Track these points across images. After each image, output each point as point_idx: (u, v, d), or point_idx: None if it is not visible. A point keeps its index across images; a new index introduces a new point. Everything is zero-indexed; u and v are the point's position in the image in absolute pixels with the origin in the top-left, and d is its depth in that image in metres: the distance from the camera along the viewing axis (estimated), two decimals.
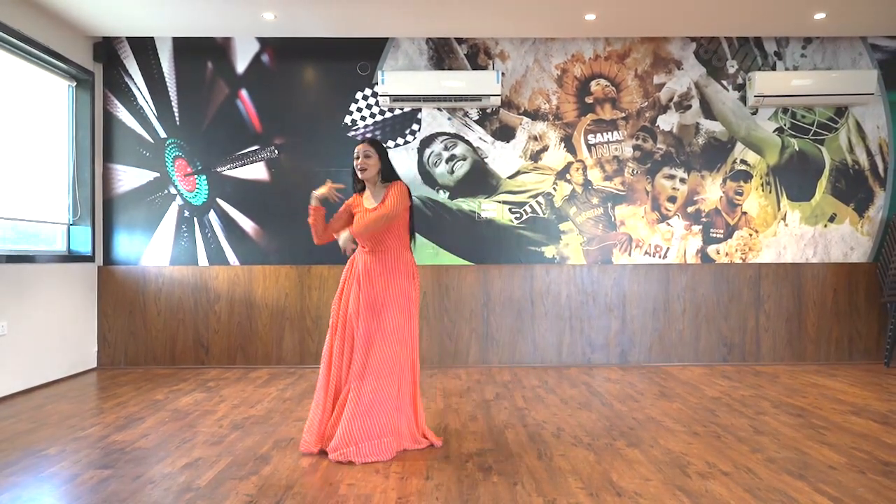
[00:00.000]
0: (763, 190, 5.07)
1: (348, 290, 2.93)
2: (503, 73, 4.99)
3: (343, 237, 2.88)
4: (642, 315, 5.03)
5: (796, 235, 5.06)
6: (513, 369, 4.85)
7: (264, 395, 4.01)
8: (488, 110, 5.02)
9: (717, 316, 5.03)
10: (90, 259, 4.89)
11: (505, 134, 5.03)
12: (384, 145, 3.00)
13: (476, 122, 5.02)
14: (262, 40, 5.00)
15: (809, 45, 5.03)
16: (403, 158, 5.01)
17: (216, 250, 5.01)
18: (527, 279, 5.01)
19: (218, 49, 4.99)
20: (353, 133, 5.01)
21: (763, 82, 4.86)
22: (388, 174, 2.93)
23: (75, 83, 4.86)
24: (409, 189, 2.92)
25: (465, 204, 5.03)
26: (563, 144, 5.05)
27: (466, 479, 2.54)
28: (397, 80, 4.77)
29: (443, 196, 5.02)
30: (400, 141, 5.01)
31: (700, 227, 5.07)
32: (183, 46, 4.99)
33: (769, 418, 3.40)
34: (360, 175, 2.90)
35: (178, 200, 5.01)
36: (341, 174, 4.99)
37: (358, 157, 2.88)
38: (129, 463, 2.73)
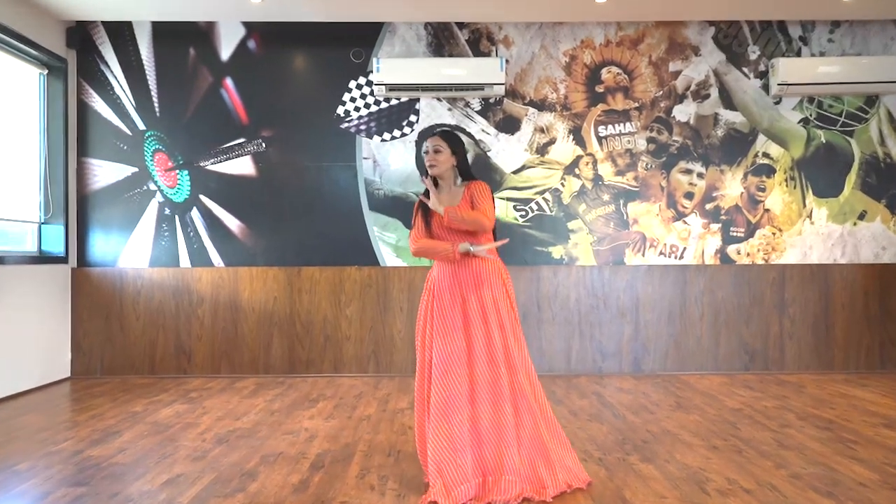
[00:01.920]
0: (787, 185, 5.06)
1: (450, 301, 2.69)
2: (507, 61, 4.98)
3: (445, 209, 2.66)
4: (657, 320, 5.02)
5: (823, 234, 5.05)
6: None
7: (251, 407, 4.00)
8: (491, 100, 5.02)
9: (738, 321, 5.03)
10: (63, 260, 4.88)
11: (509, 126, 5.03)
12: (460, 136, 2.85)
13: (478, 112, 5.02)
14: (248, 25, 4.99)
15: (837, 28, 5.02)
16: (400, 152, 5.00)
17: (199, 251, 5.00)
18: (533, 281, 5.01)
19: (201, 34, 4.99)
20: (345, 125, 5.00)
21: (787, 69, 4.85)
22: (466, 171, 2.79)
23: (47, 71, 4.85)
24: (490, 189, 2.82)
25: None
26: (571, 137, 5.04)
27: None
28: (393, 67, 4.77)
29: None
30: (396, 133, 5.01)
31: (719, 225, 5.06)
32: (163, 31, 4.98)
33: (794, 431, 3.39)
34: (429, 172, 2.77)
35: (158, 197, 5.01)
36: (333, 169, 4.99)
37: (427, 152, 2.74)
38: (105, 480, 2.72)
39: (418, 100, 5.01)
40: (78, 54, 4.97)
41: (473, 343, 2.63)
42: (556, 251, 5.04)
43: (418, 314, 2.80)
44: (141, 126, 5.00)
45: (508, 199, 5.03)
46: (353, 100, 5.02)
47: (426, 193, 2.78)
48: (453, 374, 2.59)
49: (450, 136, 2.79)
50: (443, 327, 2.66)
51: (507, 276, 2.80)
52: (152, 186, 5.01)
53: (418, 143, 5.00)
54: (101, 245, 4.99)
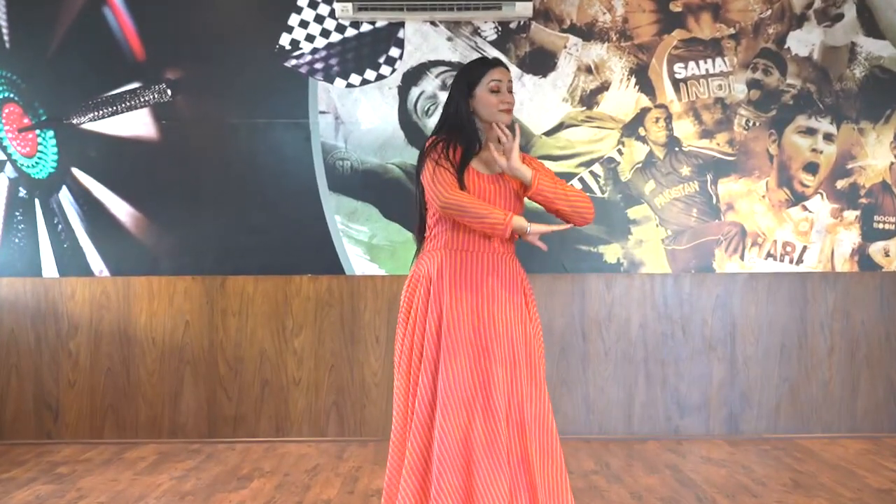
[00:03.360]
0: None
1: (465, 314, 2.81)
2: None
3: (516, 169, 2.83)
4: (763, 356, 5.02)
5: None
6: None
7: (150, 488, 3.99)
8: (512, 25, 5.02)
9: (888, 357, 5.03)
10: None
11: (540, 63, 5.03)
12: None
13: (492, 44, 5.02)
14: None
15: None
16: (376, 103, 5.01)
17: (71, 251, 5.00)
18: (575, 297, 5.01)
19: None
20: (293, 62, 4.99)
21: None
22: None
23: None
24: None
25: None
26: (634, 80, 5.05)
27: None
28: None
29: None
30: (370, 75, 5.01)
31: (857, 213, 5.07)
32: None
33: None
34: (505, 119, 2.89)
35: (9, 171, 5.01)
36: (274, 128, 4.97)
37: (500, 90, 2.89)
38: None
39: (403, 24, 5.01)
40: None
41: (515, 367, 2.75)
42: (611, 252, 5.04)
43: (400, 324, 2.90)
44: None
45: None
46: (304, 24, 5.01)
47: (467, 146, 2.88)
48: (475, 411, 2.67)
49: None
50: (447, 353, 2.73)
51: (529, 287, 2.99)
52: (0, 155, 4.99)
53: (402, 92, 4.99)
54: None
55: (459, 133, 2.89)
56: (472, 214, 2.72)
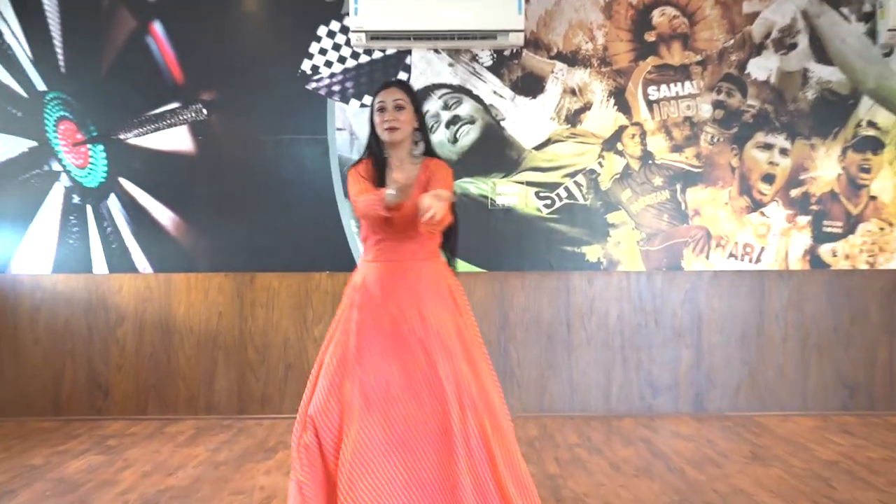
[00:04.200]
0: None
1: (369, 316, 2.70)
2: (527, 0, 4.99)
3: (434, 195, 2.44)
4: (726, 343, 5.03)
5: None
6: (541, 420, 4.85)
7: (188, 458, 4.00)
8: (506, 53, 5.02)
9: (834, 344, 5.03)
10: None
11: (530, 86, 5.03)
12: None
13: (489, 69, 5.02)
14: None
15: None
16: None
17: (119, 252, 5.01)
18: (560, 293, 5.01)
19: None
20: (313, 85, 5.00)
21: None
22: (429, 142, 2.86)
23: None
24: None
25: (474, 186, 5.03)
26: (612, 101, 5.05)
27: None
28: (377, 9, 4.76)
29: None
30: None
31: (809, 218, 5.07)
32: None
33: None
34: (387, 137, 2.73)
35: (65, 181, 5.02)
36: (296, 144, 4.99)
37: (384, 109, 2.71)
38: None
39: (410, 52, 5.02)
40: None
41: (411, 372, 2.59)
42: (592, 252, 5.05)
43: (330, 328, 2.79)
44: (41, 86, 5.01)
45: (529, 184, 5.03)
46: (322, 52, 5.02)
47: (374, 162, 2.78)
48: (381, 413, 2.52)
49: (410, 89, 2.78)
50: (369, 352, 2.61)
51: (456, 284, 2.82)
52: (56, 166, 5.01)
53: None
54: None
55: (371, 153, 2.81)
56: (364, 206, 2.60)
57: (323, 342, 2.80)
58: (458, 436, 2.50)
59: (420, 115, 2.80)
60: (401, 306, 2.66)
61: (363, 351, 2.61)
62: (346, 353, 2.63)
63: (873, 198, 5.07)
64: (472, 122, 5.03)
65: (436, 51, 5.02)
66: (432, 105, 5.01)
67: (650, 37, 5.06)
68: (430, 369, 2.57)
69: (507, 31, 4.78)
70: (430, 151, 2.85)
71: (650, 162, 5.06)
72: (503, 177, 5.04)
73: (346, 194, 2.80)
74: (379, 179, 2.74)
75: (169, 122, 5.03)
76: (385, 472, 2.45)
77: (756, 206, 5.08)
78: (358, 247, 4.98)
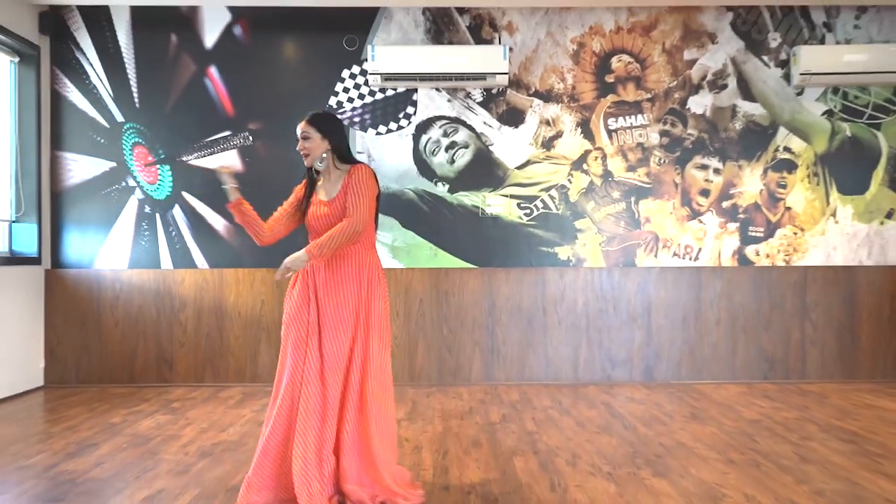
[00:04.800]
0: (810, 182, 5.08)
1: (299, 304, 2.67)
2: (511, 49, 5.00)
3: (292, 259, 2.57)
4: (670, 326, 5.04)
5: (848, 234, 5.07)
6: (521, 388, 4.86)
7: (237, 418, 4.01)
8: (494, 91, 5.03)
9: (757, 327, 5.04)
10: (36, 261, 4.89)
11: (513, 118, 5.04)
12: (335, 117, 2.84)
13: (480, 104, 5.03)
14: (233, 10, 5.00)
15: (864, 14, 5.04)
16: (396, 146, 5.02)
17: (182, 251, 5.02)
18: (538, 284, 5.02)
19: (183, 20, 5.00)
20: (339, 117, 5.00)
21: (810, 58, 4.86)
22: (344, 155, 2.72)
23: (18, 58, 4.86)
24: (374, 173, 2.73)
25: (468, 198, 5.03)
26: (579, 130, 5.06)
27: None
28: (389, 56, 4.78)
29: (442, 189, 5.03)
30: (393, 126, 5.02)
31: (737, 224, 5.08)
32: (142, 17, 4.99)
33: (817, 444, 3.40)
34: (304, 162, 2.74)
35: (138, 194, 5.02)
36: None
37: (298, 139, 2.71)
38: (81, 496, 2.73)
39: (416, 90, 5.02)
40: (51, 41, 4.98)
41: (325, 348, 2.61)
42: (563, 252, 5.06)
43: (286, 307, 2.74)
44: (119, 118, 5.01)
45: (512, 197, 5.04)
46: (346, 90, 5.03)
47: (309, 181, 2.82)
48: (314, 383, 2.57)
49: (319, 118, 2.72)
50: (296, 331, 2.63)
51: (373, 272, 2.71)
52: (131, 182, 5.02)
53: (415, 137, 5.01)
54: (77, 245, 5.00)
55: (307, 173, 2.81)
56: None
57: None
58: (353, 398, 2.60)
59: (330, 136, 2.70)
60: (330, 291, 2.64)
61: (291, 333, 2.66)
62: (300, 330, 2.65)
63: (788, 208, 5.09)
64: (466, 146, 5.04)
65: (437, 89, 5.03)
66: (434, 133, 5.02)
67: (610, 78, 5.07)
68: (336, 345, 2.61)
69: (494, 74, 4.81)
70: (352, 160, 2.75)
71: (610, 179, 5.07)
72: (491, 191, 5.05)
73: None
74: (309, 193, 2.82)
75: (222, 146, 5.04)
76: (315, 433, 2.55)
77: (695, 214, 5.09)
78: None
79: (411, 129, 5.03)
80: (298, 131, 2.70)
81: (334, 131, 2.72)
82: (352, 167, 2.70)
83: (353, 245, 2.66)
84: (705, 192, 5.08)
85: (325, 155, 2.72)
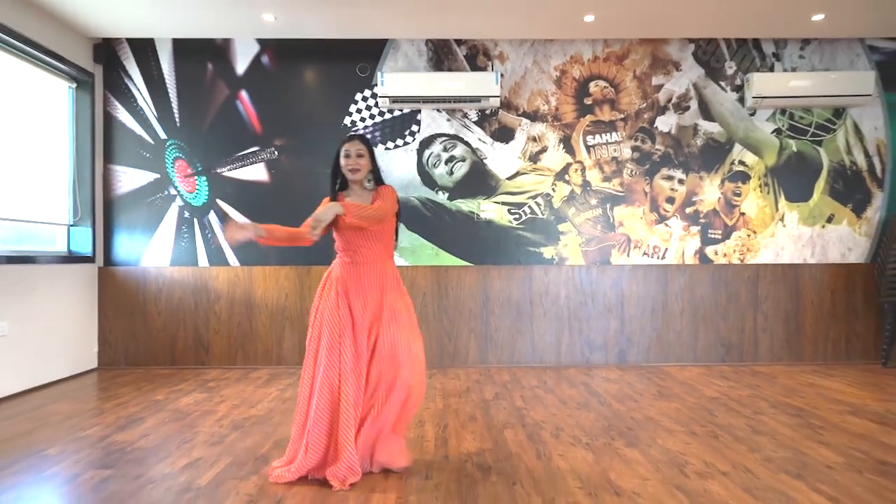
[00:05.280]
0: (761, 191, 5.07)
1: (332, 308, 2.58)
2: (502, 75, 4.99)
3: (322, 211, 2.45)
4: (641, 315, 5.03)
5: (794, 236, 5.07)
6: (512, 370, 4.85)
7: (264, 395, 4.01)
8: (487, 111, 5.03)
9: (715, 316, 5.04)
10: (90, 260, 4.89)
11: (504, 135, 5.04)
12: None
13: (475, 123, 5.03)
14: (261, 41, 5.00)
15: (807, 46, 5.04)
16: (403, 159, 5.01)
17: (216, 251, 5.01)
18: (526, 280, 5.02)
19: (218, 50, 5.00)
20: (352, 134, 5.00)
21: (761, 83, 4.87)
22: (378, 176, 2.71)
23: (75, 84, 4.86)
24: (397, 194, 2.72)
25: (465, 205, 5.03)
26: (561, 145, 5.05)
27: (465, 478, 2.54)
28: (397, 81, 4.78)
29: (442, 197, 5.03)
30: (399, 142, 5.02)
31: (698, 227, 5.08)
32: (183, 48, 4.99)
33: (767, 418, 3.40)
34: (350, 176, 2.63)
35: (179, 201, 5.02)
36: None
37: (349, 156, 2.61)
38: (129, 463, 2.73)
39: (419, 111, 5.02)
40: (104, 69, 4.98)
41: (358, 344, 2.56)
42: (548, 252, 5.05)
43: (317, 310, 2.64)
44: (162, 135, 5.01)
45: (503, 203, 5.03)
46: (359, 111, 5.02)
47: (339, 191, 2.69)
48: (351, 376, 2.51)
49: (368, 141, 2.68)
50: (330, 331, 2.56)
51: (394, 277, 2.68)
52: (173, 191, 5.01)
53: (419, 152, 5.01)
54: (126, 246, 5.00)
55: (335, 187, 2.70)
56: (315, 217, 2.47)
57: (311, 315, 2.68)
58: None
59: (373, 158, 2.67)
60: (357, 292, 2.59)
61: (345, 324, 2.57)
62: (337, 326, 2.57)
63: (743, 214, 5.09)
64: (463, 160, 5.04)
65: (438, 110, 5.03)
66: (435, 148, 5.02)
67: (588, 101, 5.07)
68: (369, 338, 2.56)
69: (487, 97, 4.81)
70: (380, 181, 2.72)
71: (588, 188, 5.07)
72: (485, 198, 5.05)
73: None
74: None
75: (251, 160, 5.03)
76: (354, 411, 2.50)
77: (662, 219, 5.09)
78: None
79: (415, 144, 5.03)
80: (353, 150, 2.62)
81: (374, 155, 2.70)
82: (381, 186, 2.68)
83: (378, 256, 2.63)
84: (671, 200, 5.08)
85: (369, 175, 2.69)
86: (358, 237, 2.62)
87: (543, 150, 5.05)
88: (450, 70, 4.98)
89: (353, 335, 2.56)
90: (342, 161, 2.65)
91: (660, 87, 5.06)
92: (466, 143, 5.02)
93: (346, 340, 2.54)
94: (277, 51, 5.00)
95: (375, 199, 2.63)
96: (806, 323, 5.05)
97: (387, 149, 5.01)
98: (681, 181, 5.07)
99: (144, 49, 4.98)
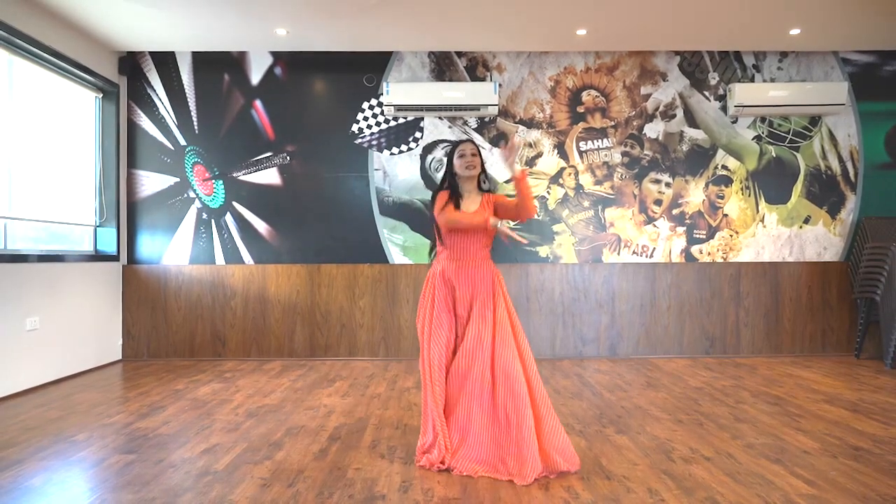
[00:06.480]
0: (743, 193, 5.07)
1: (445, 303, 2.57)
2: (500, 85, 4.99)
3: (511, 161, 2.48)
4: (630, 311, 5.03)
5: (773, 236, 5.06)
6: None
7: (277, 386, 4.02)
8: (486, 119, 5.03)
9: (700, 311, 5.04)
10: (115, 258, 4.90)
11: (502, 141, 5.04)
12: None
13: (474, 129, 5.03)
14: (275, 54, 5.00)
15: (785, 58, 5.03)
16: (407, 164, 5.01)
17: (232, 250, 5.02)
18: (522, 277, 5.02)
19: (234, 62, 5.00)
20: (359, 140, 5.01)
21: (742, 93, 4.86)
22: (486, 181, 2.71)
23: (102, 95, 4.87)
24: None
25: None
26: (556, 151, 5.05)
27: None
28: (401, 91, 4.78)
29: None
30: (403, 148, 5.02)
31: (684, 228, 5.07)
32: (201, 60, 4.99)
33: (748, 407, 3.40)
34: (467, 173, 2.61)
35: (197, 204, 5.02)
36: (348, 179, 5.00)
37: (464, 155, 2.61)
38: (151, 448, 2.74)
39: (423, 119, 5.02)
40: (128, 80, 4.98)
41: (489, 330, 2.53)
42: (543, 251, 5.05)
43: (425, 305, 2.62)
44: (182, 142, 5.01)
45: None
46: (366, 119, 5.02)
47: (452, 192, 2.65)
48: (480, 358, 2.50)
49: (477, 145, 2.69)
50: (448, 324, 2.57)
51: (496, 274, 2.68)
52: (192, 194, 5.02)
53: (422, 157, 5.01)
54: (148, 245, 5.00)
55: (450, 187, 2.68)
56: (463, 224, 2.54)
57: (421, 310, 2.64)
58: (484, 388, 2.50)
59: (482, 162, 2.69)
60: (462, 293, 2.59)
61: (449, 319, 2.58)
62: (442, 319, 2.58)
63: (726, 215, 5.08)
64: None
65: (440, 118, 5.02)
66: (437, 153, 5.02)
67: (581, 109, 5.06)
68: (477, 342, 2.53)
69: (486, 105, 4.81)
70: (487, 189, 2.72)
71: (581, 191, 5.07)
72: None
73: (431, 208, 2.67)
74: (456, 204, 2.64)
75: (264, 165, 5.03)
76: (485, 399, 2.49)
77: (650, 220, 5.08)
78: (388, 247, 5.00)
79: (419, 150, 5.02)
80: (468, 150, 2.63)
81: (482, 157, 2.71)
82: (487, 193, 2.68)
83: (482, 256, 2.63)
84: (658, 202, 5.08)
85: (483, 177, 2.69)
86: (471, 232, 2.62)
87: (539, 155, 5.05)
88: (451, 80, 4.98)
89: (466, 326, 2.58)
90: (456, 161, 2.65)
91: (648, 96, 5.05)
92: None
93: (460, 331, 2.60)
94: (290, 63, 5.00)
95: (485, 203, 2.64)
96: (784, 317, 5.04)
97: (392, 154, 5.01)
98: (668, 184, 5.06)
99: (166, 61, 4.98)
